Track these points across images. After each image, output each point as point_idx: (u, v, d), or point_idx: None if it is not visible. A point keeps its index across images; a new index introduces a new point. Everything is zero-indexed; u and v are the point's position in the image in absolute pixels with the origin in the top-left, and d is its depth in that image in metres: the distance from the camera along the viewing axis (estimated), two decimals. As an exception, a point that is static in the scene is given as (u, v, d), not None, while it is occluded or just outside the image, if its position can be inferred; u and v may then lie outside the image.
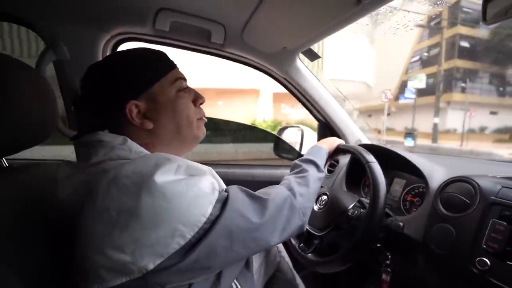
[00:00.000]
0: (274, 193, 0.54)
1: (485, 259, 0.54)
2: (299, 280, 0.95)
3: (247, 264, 0.62)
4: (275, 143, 1.40)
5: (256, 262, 0.83)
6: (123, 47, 1.03)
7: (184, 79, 0.57)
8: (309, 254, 0.82)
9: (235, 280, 0.56)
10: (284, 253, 0.98)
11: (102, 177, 0.41)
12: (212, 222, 0.42)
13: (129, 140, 0.49)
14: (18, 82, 0.51)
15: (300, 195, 0.58)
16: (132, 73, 0.52)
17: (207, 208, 0.42)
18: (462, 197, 0.64)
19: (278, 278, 0.89)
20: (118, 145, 0.48)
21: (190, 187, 0.42)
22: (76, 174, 0.48)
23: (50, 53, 0.87)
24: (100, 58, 0.95)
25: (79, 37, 0.90)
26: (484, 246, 0.56)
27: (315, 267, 0.81)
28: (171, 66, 0.56)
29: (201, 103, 0.60)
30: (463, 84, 17.28)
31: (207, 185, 0.44)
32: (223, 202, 0.45)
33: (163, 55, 0.56)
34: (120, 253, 0.38)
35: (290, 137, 1.33)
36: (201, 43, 1.01)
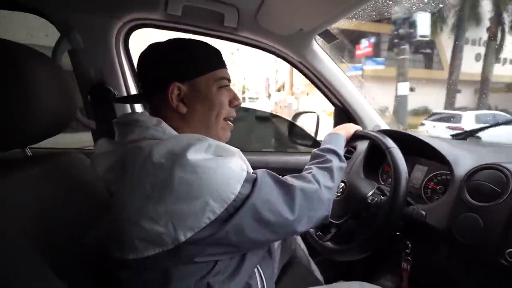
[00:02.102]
0: (302, 183, 0.55)
1: None
2: (314, 266, 0.96)
3: (270, 251, 0.63)
4: (290, 129, 1.38)
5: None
6: (136, 34, 1.03)
7: (229, 80, 0.60)
8: (326, 242, 0.82)
9: (257, 265, 0.58)
10: (299, 239, 0.99)
11: (138, 154, 0.44)
12: (242, 200, 0.44)
13: (163, 122, 0.52)
14: (38, 72, 0.52)
15: (325, 187, 0.58)
16: (187, 58, 0.55)
17: (236, 186, 0.44)
18: (492, 186, 0.60)
19: (294, 263, 0.89)
20: (152, 126, 0.51)
21: (220, 165, 0.44)
22: (114, 151, 0.52)
23: (65, 42, 0.88)
24: (113, 46, 0.95)
25: (92, 25, 0.90)
26: None
27: (332, 255, 0.81)
28: (222, 64, 0.59)
29: (237, 105, 0.62)
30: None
31: (236, 165, 0.46)
32: (252, 183, 0.47)
33: (218, 52, 0.59)
34: (154, 224, 0.40)
35: (305, 123, 1.30)
36: (214, 27, 0.99)
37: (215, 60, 0.58)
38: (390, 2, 0.95)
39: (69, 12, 0.87)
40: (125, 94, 1.01)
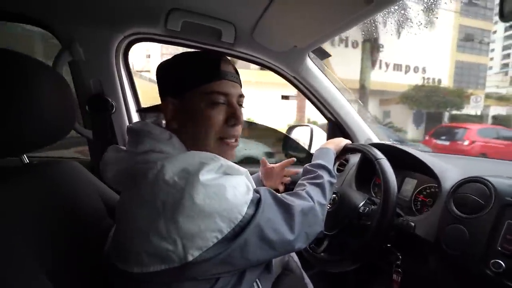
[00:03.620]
0: (299, 201, 0.56)
1: (500, 261, 0.54)
2: (307, 279, 0.95)
3: (268, 266, 0.64)
4: (284, 142, 1.40)
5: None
6: (136, 47, 1.05)
7: (223, 94, 0.54)
8: (319, 253, 0.82)
9: (256, 280, 0.59)
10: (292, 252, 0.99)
11: (150, 168, 0.44)
12: (248, 221, 0.45)
13: (174, 137, 0.53)
14: (38, 81, 0.53)
15: (319, 204, 0.60)
16: (178, 73, 0.55)
17: (243, 207, 0.45)
18: (476, 198, 0.63)
19: (287, 276, 0.88)
20: (164, 140, 0.52)
21: (229, 185, 0.45)
22: (124, 158, 0.52)
23: (66, 54, 0.90)
24: (113, 58, 0.97)
25: (94, 38, 0.92)
26: (499, 248, 0.55)
27: (325, 266, 0.81)
28: (216, 77, 0.53)
29: (234, 124, 0.56)
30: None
31: (243, 185, 0.48)
32: (256, 203, 0.48)
33: (213, 64, 0.54)
34: (163, 241, 0.40)
35: (299, 136, 1.33)
36: (212, 42, 1.02)
37: (207, 72, 0.53)
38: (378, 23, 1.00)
39: (72, 25, 0.89)
40: (123, 105, 1.03)
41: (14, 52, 0.51)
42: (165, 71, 0.57)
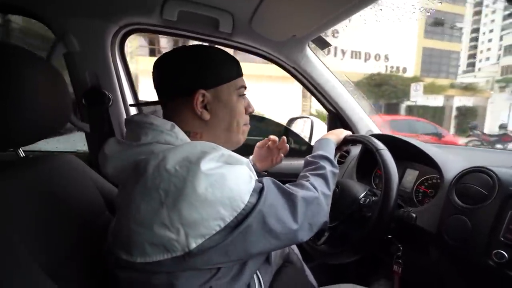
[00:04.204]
0: (302, 191, 0.56)
1: (502, 251, 0.53)
2: (308, 271, 0.95)
3: (268, 257, 0.64)
4: (284, 134, 1.39)
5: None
6: (132, 38, 1.03)
7: (245, 88, 0.62)
8: (320, 246, 0.82)
9: (256, 271, 0.59)
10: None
11: (152, 158, 0.44)
12: (250, 209, 0.45)
13: (176, 127, 0.53)
14: (33, 73, 0.52)
15: (323, 194, 0.60)
16: (212, 66, 0.56)
17: (246, 195, 0.45)
18: (479, 188, 0.62)
19: (287, 269, 0.89)
20: (166, 130, 0.51)
21: (231, 174, 0.45)
22: (125, 151, 0.51)
23: (60, 45, 0.88)
24: (109, 50, 0.95)
25: (88, 29, 0.91)
26: (502, 239, 0.55)
27: (326, 258, 0.81)
28: (240, 73, 0.61)
29: (251, 112, 0.64)
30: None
31: (245, 174, 0.48)
32: (259, 192, 0.48)
33: (237, 61, 0.61)
34: (166, 230, 0.41)
35: (300, 127, 1.32)
36: (209, 32, 1.00)
37: (235, 68, 0.60)
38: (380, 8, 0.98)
39: (66, 16, 0.87)
40: (120, 97, 1.02)
41: (7, 43, 0.50)
42: (196, 63, 0.56)
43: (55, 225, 0.52)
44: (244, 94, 0.62)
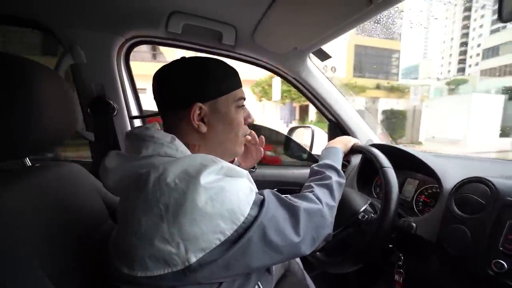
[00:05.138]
0: (305, 203, 0.55)
1: (501, 261, 0.53)
2: (309, 281, 0.95)
3: (269, 268, 0.63)
4: (286, 143, 1.40)
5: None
6: (137, 50, 1.06)
7: (244, 99, 0.61)
8: (320, 255, 0.82)
9: (258, 282, 0.58)
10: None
11: (152, 171, 0.44)
12: (251, 222, 0.45)
13: (176, 139, 0.52)
14: (41, 85, 0.53)
15: (327, 205, 0.59)
16: (208, 79, 0.55)
17: (246, 208, 0.45)
18: (477, 198, 0.63)
19: (288, 278, 0.89)
20: (167, 143, 0.51)
21: (231, 187, 0.45)
22: (126, 165, 0.51)
23: (68, 57, 0.91)
24: (114, 61, 0.98)
25: (95, 41, 0.93)
26: (501, 248, 0.55)
27: (326, 267, 0.81)
28: (239, 84, 0.61)
29: (250, 122, 0.64)
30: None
31: (245, 187, 0.48)
32: (260, 205, 0.48)
33: (236, 72, 0.61)
34: (167, 244, 0.41)
35: (300, 137, 1.33)
36: (213, 44, 1.03)
37: (234, 80, 0.59)
38: (378, 25, 1.01)
39: (74, 29, 0.90)
40: (124, 107, 1.04)
41: (16, 56, 0.51)
42: (192, 75, 0.55)
43: (59, 233, 0.52)
44: (243, 105, 0.61)
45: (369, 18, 0.75)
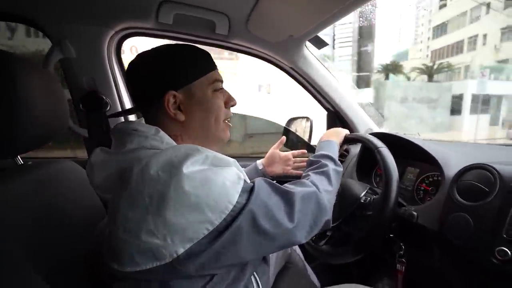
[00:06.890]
0: (300, 188, 0.54)
1: (505, 249, 0.52)
2: (310, 271, 0.95)
3: (265, 257, 0.62)
4: (283, 134, 1.38)
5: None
6: (127, 42, 1.03)
7: (221, 81, 0.60)
8: (322, 246, 0.82)
9: (254, 273, 0.57)
10: (295, 244, 0.98)
11: (136, 164, 0.43)
12: (239, 209, 0.44)
13: (161, 131, 0.52)
14: (29, 81, 0.52)
15: (324, 190, 0.58)
16: (178, 65, 0.54)
17: (234, 196, 0.43)
18: (480, 185, 0.61)
19: (290, 269, 0.89)
20: (151, 135, 0.50)
21: (217, 175, 0.43)
22: (111, 160, 0.50)
23: (57, 51, 0.88)
24: (105, 55, 0.95)
25: (84, 34, 0.91)
26: (505, 236, 0.54)
27: (328, 258, 0.80)
28: (213, 67, 0.59)
29: (232, 105, 0.63)
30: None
31: (233, 175, 0.46)
32: (249, 192, 0.46)
33: (208, 55, 0.59)
34: (153, 237, 0.40)
35: (299, 127, 1.31)
36: (206, 35, 1.00)
37: (206, 63, 0.58)
38: (375, 7, 0.98)
39: (62, 23, 0.87)
40: (117, 102, 1.02)
41: (2, 51, 0.49)
42: (160, 64, 0.54)
43: (54, 232, 0.52)
44: (221, 88, 0.60)
45: (365, 3, 0.73)
